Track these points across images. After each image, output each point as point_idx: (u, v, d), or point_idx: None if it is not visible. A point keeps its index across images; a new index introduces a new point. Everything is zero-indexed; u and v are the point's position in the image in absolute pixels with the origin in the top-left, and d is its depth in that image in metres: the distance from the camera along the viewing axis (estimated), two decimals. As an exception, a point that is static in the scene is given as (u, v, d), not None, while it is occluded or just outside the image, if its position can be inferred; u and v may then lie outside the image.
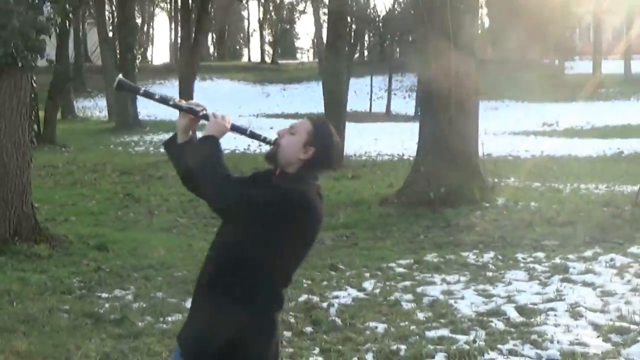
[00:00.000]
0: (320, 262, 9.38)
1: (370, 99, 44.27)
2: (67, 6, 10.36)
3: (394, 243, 10.69)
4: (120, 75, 3.71)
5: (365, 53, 62.51)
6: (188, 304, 7.47)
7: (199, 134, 3.50)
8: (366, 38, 58.16)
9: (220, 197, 3.29)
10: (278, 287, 3.43)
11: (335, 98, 20.32)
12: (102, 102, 43.73)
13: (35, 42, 9.35)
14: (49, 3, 9.83)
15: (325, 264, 9.26)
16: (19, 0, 9.20)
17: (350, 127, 23.08)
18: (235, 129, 3.55)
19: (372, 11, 48.00)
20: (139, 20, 64.97)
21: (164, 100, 3.62)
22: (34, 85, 9.91)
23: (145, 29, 74.20)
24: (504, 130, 32.39)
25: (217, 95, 47.69)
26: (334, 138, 3.48)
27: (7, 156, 9.52)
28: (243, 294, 3.30)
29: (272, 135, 3.50)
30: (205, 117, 3.51)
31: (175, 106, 3.57)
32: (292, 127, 3.47)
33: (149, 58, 73.16)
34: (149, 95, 3.64)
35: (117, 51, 36.62)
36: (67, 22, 23.42)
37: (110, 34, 42.19)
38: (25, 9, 9.17)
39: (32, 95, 9.94)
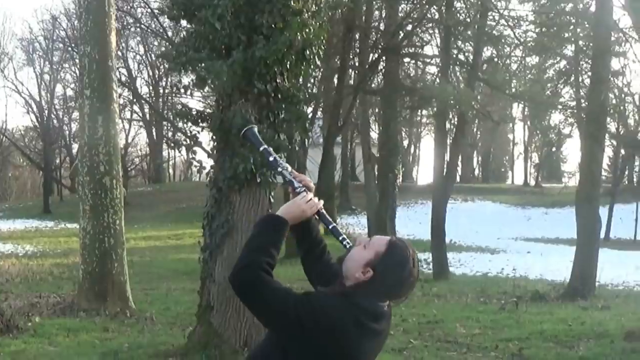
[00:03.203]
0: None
1: (636, 226, 42.43)
2: (307, 125, 10.80)
3: (633, 381, 10.04)
4: (255, 127, 3.76)
5: (635, 178, 60.20)
6: None
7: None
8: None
9: (236, 269, 3.11)
10: None
11: (588, 224, 19.60)
12: (364, 219, 44.74)
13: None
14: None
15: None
16: (260, 119, 9.71)
17: (611, 255, 22.25)
18: (321, 218, 3.46)
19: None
20: (405, 142, 66.59)
21: (274, 164, 3.62)
22: (272, 200, 10.30)
23: (412, 149, 75.81)
24: None
25: (479, 217, 47.54)
26: (405, 269, 3.23)
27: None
28: None
29: (358, 240, 3.35)
30: (299, 193, 3.45)
31: (280, 174, 3.56)
32: (371, 240, 3.29)
33: (414, 178, 74.39)
34: (267, 154, 3.63)
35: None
36: (328, 141, 24.56)
37: (376, 154, 43.37)
38: (264, 126, 9.65)
39: (270, 210, 10.29)
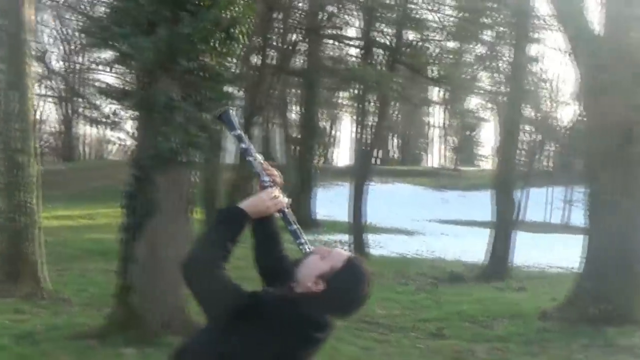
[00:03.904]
0: (465, 374, 9.10)
1: (549, 210, 43.38)
2: (233, 105, 10.71)
3: (548, 360, 10.25)
4: (232, 110, 3.63)
5: (546, 163, 61.37)
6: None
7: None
8: (548, 148, 57.08)
9: (190, 259, 3.04)
10: None
11: (505, 207, 19.96)
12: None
13: (197, 138, 9.67)
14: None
15: (470, 377, 8.97)
16: (185, 97, 9.58)
17: (524, 237, 22.64)
18: (283, 217, 3.38)
19: (555, 121, 47.30)
20: (327, 123, 66.59)
21: (246, 152, 3.50)
22: (196, 180, 10.20)
23: (332, 131, 75.89)
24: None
25: (396, 199, 47.95)
26: (357, 289, 3.15)
27: (162, 249, 9.80)
28: None
29: (318, 249, 3.28)
30: (265, 188, 3.37)
31: (251, 163, 3.47)
32: (330, 252, 3.19)
33: (333, 160, 74.51)
34: (239, 140, 3.51)
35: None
36: (247, 121, 24.47)
37: (295, 134, 43.39)
38: (189, 105, 9.53)
39: (192, 191, 10.19)
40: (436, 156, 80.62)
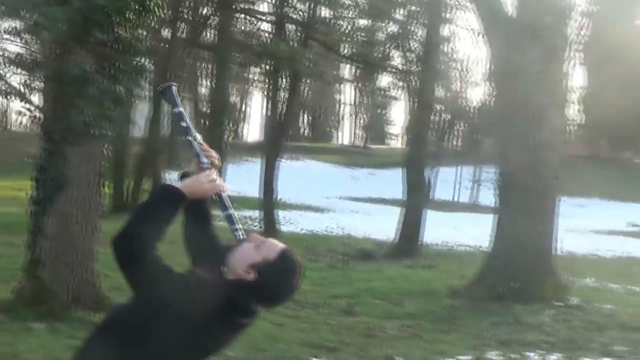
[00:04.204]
0: (377, 352, 9.18)
1: (458, 189, 44.05)
2: (151, 77, 10.54)
3: (458, 337, 10.38)
4: (175, 86, 3.54)
5: (455, 142, 62.28)
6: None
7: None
8: (457, 127, 57.89)
9: (121, 236, 2.96)
10: None
11: (415, 186, 20.18)
12: (191, 176, 44.35)
13: (110, 111, 9.49)
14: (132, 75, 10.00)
15: (382, 355, 9.05)
16: (99, 70, 9.37)
17: (433, 216, 22.92)
18: (220, 200, 3.31)
19: (464, 101, 47.95)
20: (237, 98, 66.29)
21: (186, 131, 3.40)
22: (109, 154, 10.03)
23: (243, 107, 75.52)
24: (588, 228, 31.74)
25: (306, 176, 48.03)
26: (288, 282, 3.15)
27: (72, 222, 9.64)
28: None
29: (252, 236, 3.21)
30: (204, 169, 3.29)
31: (190, 143, 3.37)
32: (265, 242, 3.16)
33: (243, 135, 74.22)
34: (179, 117, 3.42)
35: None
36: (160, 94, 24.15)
37: (205, 109, 43.09)
38: (103, 78, 9.32)
39: (104, 164, 10.03)
40: (347, 134, 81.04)
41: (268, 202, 24.25)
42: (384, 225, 25.45)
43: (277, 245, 3.17)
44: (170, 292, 2.95)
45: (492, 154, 48.33)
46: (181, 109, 3.48)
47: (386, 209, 35.83)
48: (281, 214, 25.89)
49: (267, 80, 37.72)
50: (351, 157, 59.01)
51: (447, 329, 10.93)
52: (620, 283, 15.95)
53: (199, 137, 3.42)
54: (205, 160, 3.34)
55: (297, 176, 46.03)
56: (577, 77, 54.92)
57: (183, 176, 3.40)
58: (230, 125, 49.74)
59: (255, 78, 52.22)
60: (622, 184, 42.01)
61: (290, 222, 27.52)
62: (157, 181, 39.25)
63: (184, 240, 3.54)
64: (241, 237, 3.25)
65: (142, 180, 26.65)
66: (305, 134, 77.67)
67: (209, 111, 38.55)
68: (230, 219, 3.31)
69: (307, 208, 35.04)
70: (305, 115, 79.20)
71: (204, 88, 47.25)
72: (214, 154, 3.40)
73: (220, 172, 3.43)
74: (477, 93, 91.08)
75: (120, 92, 9.54)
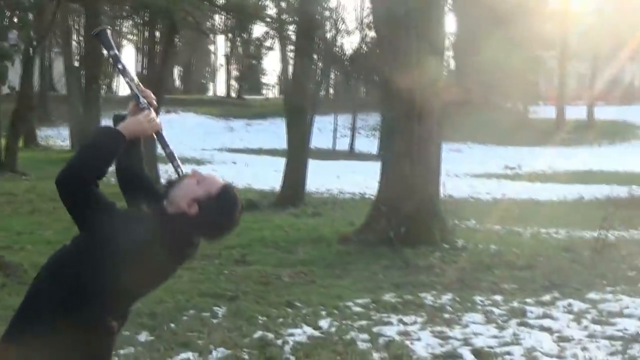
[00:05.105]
0: (276, 298, 9.25)
1: (335, 137, 44.44)
2: (32, 34, 10.24)
3: (352, 282, 10.56)
4: (109, 29, 3.58)
5: (331, 91, 62.67)
6: (141, 337, 7.36)
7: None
8: (332, 76, 58.21)
9: (65, 174, 3.01)
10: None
11: (298, 135, 20.27)
12: (65, 131, 43.38)
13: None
14: (14, 30, 9.71)
15: (281, 301, 9.12)
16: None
17: (313, 164, 23.08)
18: (159, 139, 3.41)
19: (339, 49, 48.16)
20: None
21: (123, 73, 3.49)
22: (7, 91, 9.73)
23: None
24: (466, 172, 32.60)
25: (182, 128, 47.56)
26: (229, 217, 3.26)
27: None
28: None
29: (193, 171, 3.31)
30: (142, 110, 3.37)
31: (128, 84, 3.45)
32: (206, 177, 3.26)
33: (116, 89, 72.86)
34: (115, 60, 3.48)
35: (83, 81, 36.44)
36: (32, 50, 23.39)
37: (77, 64, 42.05)
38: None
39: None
40: (221, 86, 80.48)
41: (145, 155, 23.92)
42: (264, 175, 25.57)
43: (219, 181, 3.28)
44: (114, 225, 3.02)
45: (367, 102, 49.17)
46: (116, 51, 3.53)
47: (265, 159, 35.95)
48: (160, 167, 25.61)
49: (140, 33, 37.04)
50: (227, 108, 58.71)
51: (341, 274, 11.09)
52: (501, 224, 16.48)
53: (135, 79, 3.50)
54: (142, 100, 3.41)
55: (173, 129, 45.51)
56: (448, 23, 55.94)
57: (116, 119, 3.44)
58: (103, 79, 48.63)
59: (127, 31, 51.24)
60: (495, 128, 43.11)
61: (169, 174, 27.24)
62: (32, 137, 38.40)
63: (117, 173, 3.59)
64: (182, 173, 3.35)
65: (17, 138, 25.92)
66: (177, 86, 76.82)
67: (82, 65, 37.59)
68: (171, 156, 3.44)
69: (186, 160, 34.71)
70: (177, 68, 78.24)
71: (75, 42, 46.00)
72: (150, 94, 3.46)
73: (157, 112, 3.49)
74: (351, 41, 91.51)
75: (7, 47, 9.27)
